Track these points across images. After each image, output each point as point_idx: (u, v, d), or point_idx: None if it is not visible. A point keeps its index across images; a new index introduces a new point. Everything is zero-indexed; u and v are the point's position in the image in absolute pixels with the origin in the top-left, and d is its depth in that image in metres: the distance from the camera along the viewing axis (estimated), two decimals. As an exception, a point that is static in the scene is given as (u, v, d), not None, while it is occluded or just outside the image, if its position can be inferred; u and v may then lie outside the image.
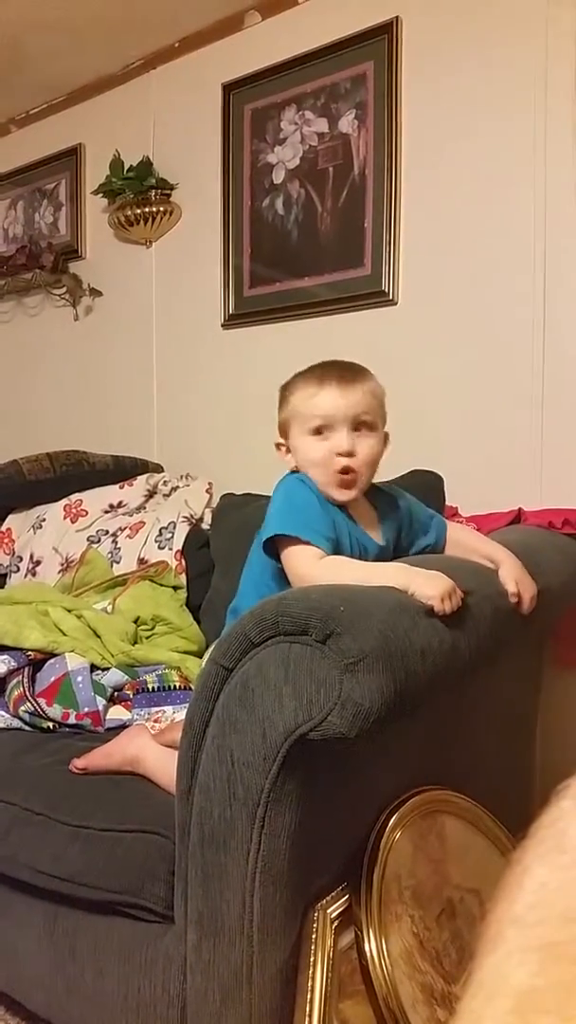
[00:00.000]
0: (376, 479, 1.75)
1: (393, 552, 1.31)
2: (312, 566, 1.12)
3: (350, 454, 1.19)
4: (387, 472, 1.74)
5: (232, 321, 2.41)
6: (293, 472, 1.27)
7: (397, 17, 2.05)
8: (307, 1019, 0.93)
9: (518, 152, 1.89)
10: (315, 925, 0.97)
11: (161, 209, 2.50)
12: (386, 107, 2.08)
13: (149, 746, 1.23)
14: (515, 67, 1.89)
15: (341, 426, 1.19)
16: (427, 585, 1.02)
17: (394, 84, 2.06)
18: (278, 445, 1.29)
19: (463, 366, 1.99)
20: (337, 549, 1.19)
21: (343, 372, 1.21)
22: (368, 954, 0.97)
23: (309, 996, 0.94)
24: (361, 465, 1.21)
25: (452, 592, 1.03)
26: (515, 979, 0.34)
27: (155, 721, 1.42)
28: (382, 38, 2.07)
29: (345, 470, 1.19)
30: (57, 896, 1.13)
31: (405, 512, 1.36)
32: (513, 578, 1.19)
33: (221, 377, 2.45)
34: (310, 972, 0.95)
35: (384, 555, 1.27)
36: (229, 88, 2.38)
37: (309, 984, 0.94)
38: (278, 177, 2.29)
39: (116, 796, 1.17)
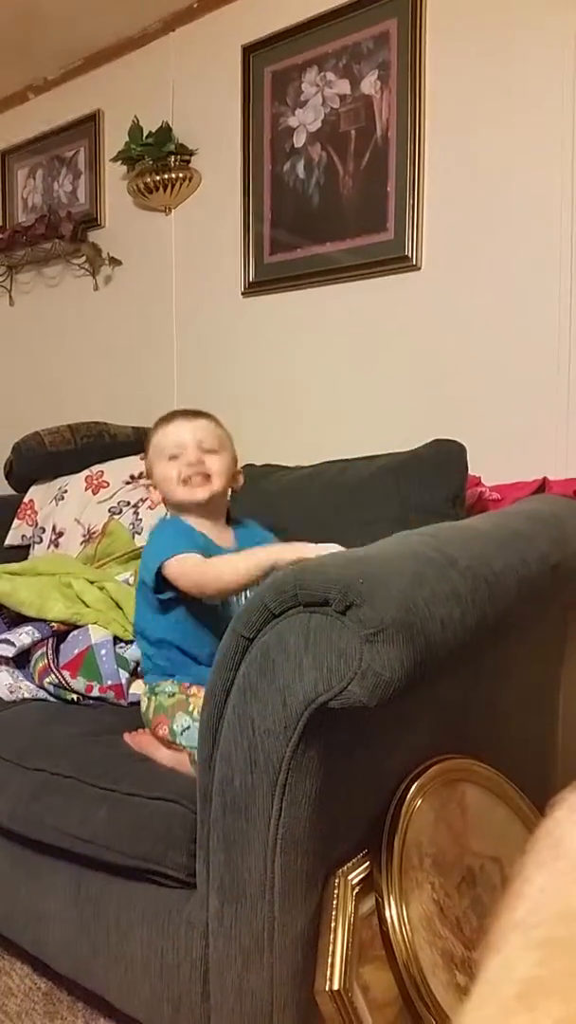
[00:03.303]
0: (397, 450, 1.74)
1: None
2: (198, 562, 1.26)
3: (200, 462, 1.39)
4: (409, 442, 1.73)
5: (252, 288, 2.39)
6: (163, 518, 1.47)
7: (421, -28, 1.99)
8: (328, 983, 0.94)
9: (546, 113, 1.84)
10: (336, 891, 0.98)
11: (180, 175, 2.46)
12: (409, 67, 2.02)
13: (159, 752, 1.26)
14: (545, 25, 1.83)
15: (190, 448, 1.40)
16: (289, 552, 1.15)
17: (418, 43, 2.01)
18: (147, 486, 1.51)
19: (487, 332, 1.96)
20: None
21: (187, 411, 1.47)
22: (388, 920, 0.98)
23: (330, 960, 0.95)
24: (213, 474, 1.39)
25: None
26: (520, 971, 0.36)
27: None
28: (405, -6, 2.01)
29: (196, 473, 1.38)
30: (83, 860, 1.15)
31: (261, 542, 1.42)
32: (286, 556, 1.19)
33: (241, 346, 2.43)
34: (331, 937, 0.96)
35: None
36: (249, 50, 2.33)
37: (330, 949, 0.95)
38: (299, 141, 2.25)
39: (143, 766, 1.20)
